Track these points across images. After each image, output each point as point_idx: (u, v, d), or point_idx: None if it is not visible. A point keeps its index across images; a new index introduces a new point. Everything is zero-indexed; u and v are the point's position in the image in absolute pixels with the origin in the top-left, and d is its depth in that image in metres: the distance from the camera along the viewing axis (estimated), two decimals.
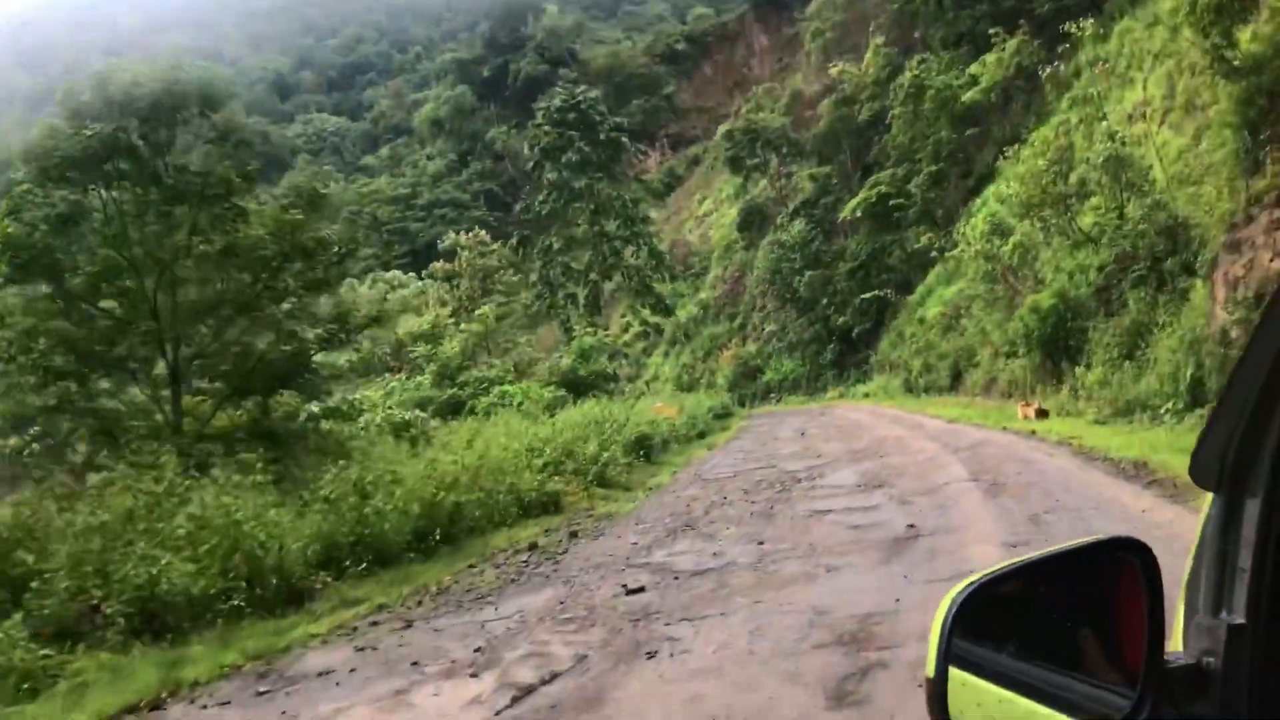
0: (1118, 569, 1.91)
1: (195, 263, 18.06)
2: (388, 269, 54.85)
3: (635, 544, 13.16)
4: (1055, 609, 1.98)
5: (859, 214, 58.93)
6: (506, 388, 32.69)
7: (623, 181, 51.06)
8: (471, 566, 12.63)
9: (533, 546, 13.72)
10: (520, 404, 28.79)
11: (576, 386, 36.98)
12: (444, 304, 46.35)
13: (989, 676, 1.84)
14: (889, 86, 60.44)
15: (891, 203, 56.84)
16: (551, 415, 25.71)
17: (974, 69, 54.01)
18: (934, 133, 55.42)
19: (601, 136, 49.35)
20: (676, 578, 10.50)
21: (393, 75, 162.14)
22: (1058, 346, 28.88)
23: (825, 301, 62.98)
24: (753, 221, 74.90)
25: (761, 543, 11.90)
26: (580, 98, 50.34)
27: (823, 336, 64.92)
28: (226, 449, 16.36)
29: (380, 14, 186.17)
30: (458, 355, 37.48)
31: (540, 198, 51.46)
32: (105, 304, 17.35)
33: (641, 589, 10.04)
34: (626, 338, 56.21)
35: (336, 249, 18.82)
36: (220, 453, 16.23)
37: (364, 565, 11.94)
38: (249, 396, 18.09)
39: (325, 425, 20.52)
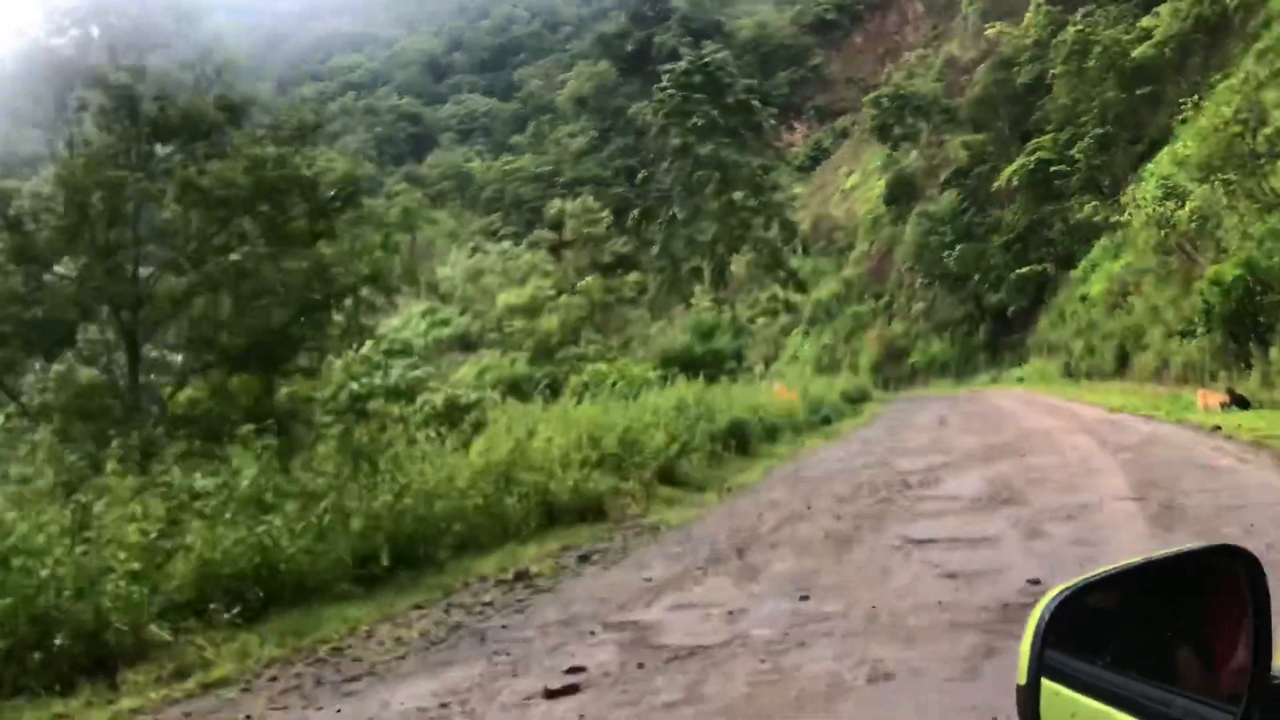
0: (1221, 579, 1.84)
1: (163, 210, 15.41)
2: (499, 240, 52.28)
3: (649, 581, 9.76)
4: (1153, 619, 1.92)
5: (1015, 182, 53.89)
6: (600, 366, 29.70)
7: (756, 151, 47.40)
8: (418, 608, 9.43)
9: (520, 576, 10.47)
10: (614, 384, 25.77)
11: (692, 366, 33.70)
12: (546, 275, 43.63)
13: (1082, 688, 1.79)
14: (1050, 47, 55.10)
15: (1052, 169, 51.61)
16: (637, 398, 22.58)
17: (1146, 22, 48.76)
18: (1100, 93, 50.13)
19: (730, 100, 45.77)
20: (642, 665, 7.06)
21: (544, 55, 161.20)
22: (1244, 325, 24.43)
23: (977, 278, 58.10)
24: (901, 194, 70.13)
25: (806, 596, 8.33)
26: (708, 59, 46.86)
27: (974, 316, 60.16)
28: (205, 436, 13.74)
29: None
30: (557, 330, 34.72)
31: (664, 166, 48.28)
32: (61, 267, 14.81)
33: (575, 687, 6.64)
34: (753, 314, 52.47)
35: (333, 192, 16.02)
36: (185, 439, 13.65)
37: (251, 606, 8.86)
38: (240, 371, 15.39)
39: (374, 406, 17.86)
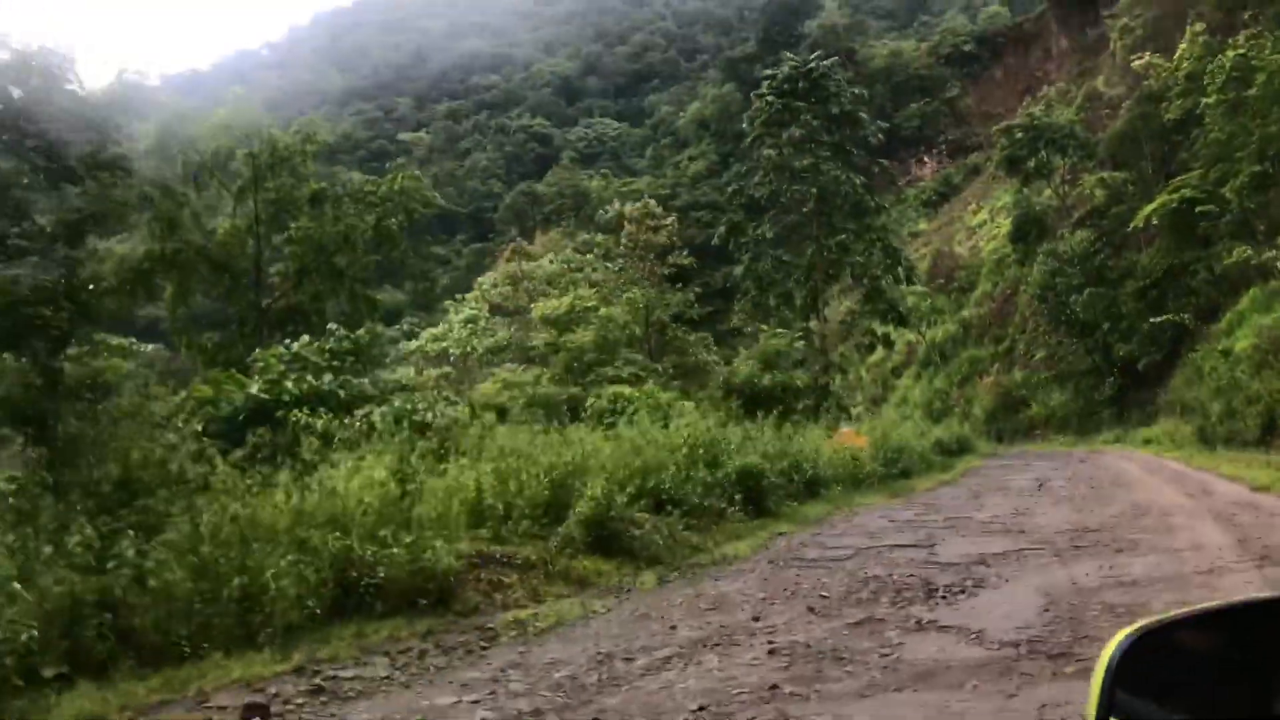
0: None
1: None
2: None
3: None
4: (1230, 663, 1.79)
5: (1155, 223, 47.77)
6: (623, 390, 25.34)
7: (864, 170, 42.46)
8: None
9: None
10: (634, 412, 21.42)
11: (758, 400, 29.13)
12: (593, 285, 39.24)
13: None
14: (1205, 74, 48.87)
15: (1198, 210, 45.31)
16: (666, 427, 18.16)
17: None
18: (1262, 126, 43.75)
19: (835, 110, 41.11)
20: None
21: (677, 83, 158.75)
22: None
23: (1107, 326, 51.90)
24: (1028, 231, 64.01)
25: None
26: (813, 63, 42.18)
27: (1101, 367, 53.88)
28: None
29: (671, 22, 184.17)
30: (590, 347, 30.44)
31: (755, 179, 43.81)
32: None
33: None
34: (846, 349, 47.32)
35: None
36: None
37: None
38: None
39: (295, 416, 13.90)
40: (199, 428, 12.38)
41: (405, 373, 29.96)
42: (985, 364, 66.52)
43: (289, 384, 14.91)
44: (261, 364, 16.49)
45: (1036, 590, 8.92)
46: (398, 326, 56.62)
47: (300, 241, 27.01)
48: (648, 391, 25.23)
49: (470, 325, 41.23)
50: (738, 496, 15.53)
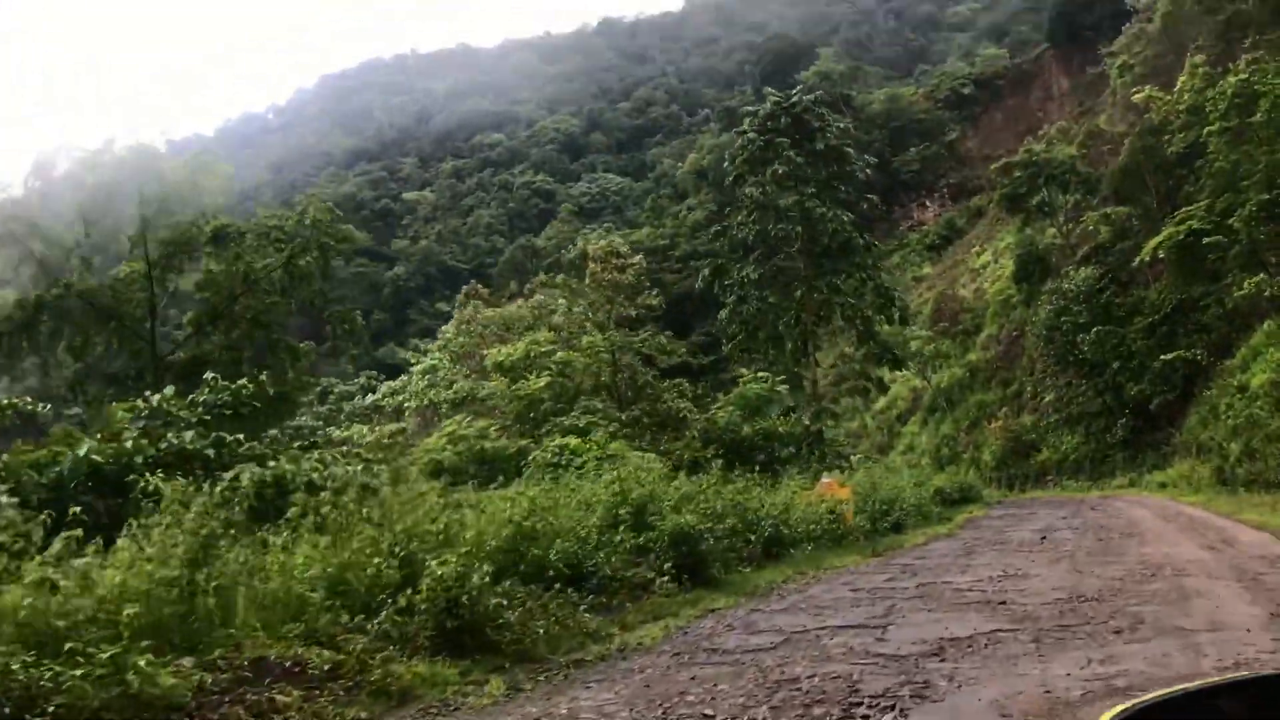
0: None
1: None
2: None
3: None
4: None
5: (1161, 256, 45.37)
6: (570, 440, 22.89)
7: (860, 211, 40.17)
8: None
9: None
10: (580, 466, 19.02)
11: (738, 450, 26.72)
12: (553, 329, 36.68)
13: None
14: (1207, 101, 46.70)
15: (1205, 241, 42.90)
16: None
17: None
18: (1269, 153, 41.49)
19: (820, 146, 38.98)
20: None
21: (680, 136, 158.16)
22: None
23: (1116, 365, 49.35)
24: (1032, 271, 61.76)
25: None
26: (795, 99, 40.09)
27: (1112, 408, 51.26)
28: None
29: (672, 77, 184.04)
30: (543, 394, 28.00)
31: (739, 219, 41.65)
32: None
33: None
34: (843, 395, 44.56)
35: None
36: None
37: None
38: None
39: (145, 480, 11.57)
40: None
41: (359, 429, 27.78)
42: (993, 408, 63.91)
43: (132, 443, 12.63)
44: (114, 417, 14.28)
45: (990, 707, 6.49)
46: (355, 381, 54.58)
47: (202, 286, 24.95)
48: (597, 442, 22.79)
49: (428, 376, 38.68)
50: (667, 565, 13.06)
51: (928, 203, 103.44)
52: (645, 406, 31.32)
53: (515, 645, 8.91)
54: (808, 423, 36.74)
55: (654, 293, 39.63)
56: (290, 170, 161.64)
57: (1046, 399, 59.06)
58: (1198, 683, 1.76)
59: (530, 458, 21.78)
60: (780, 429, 29.63)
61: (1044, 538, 21.19)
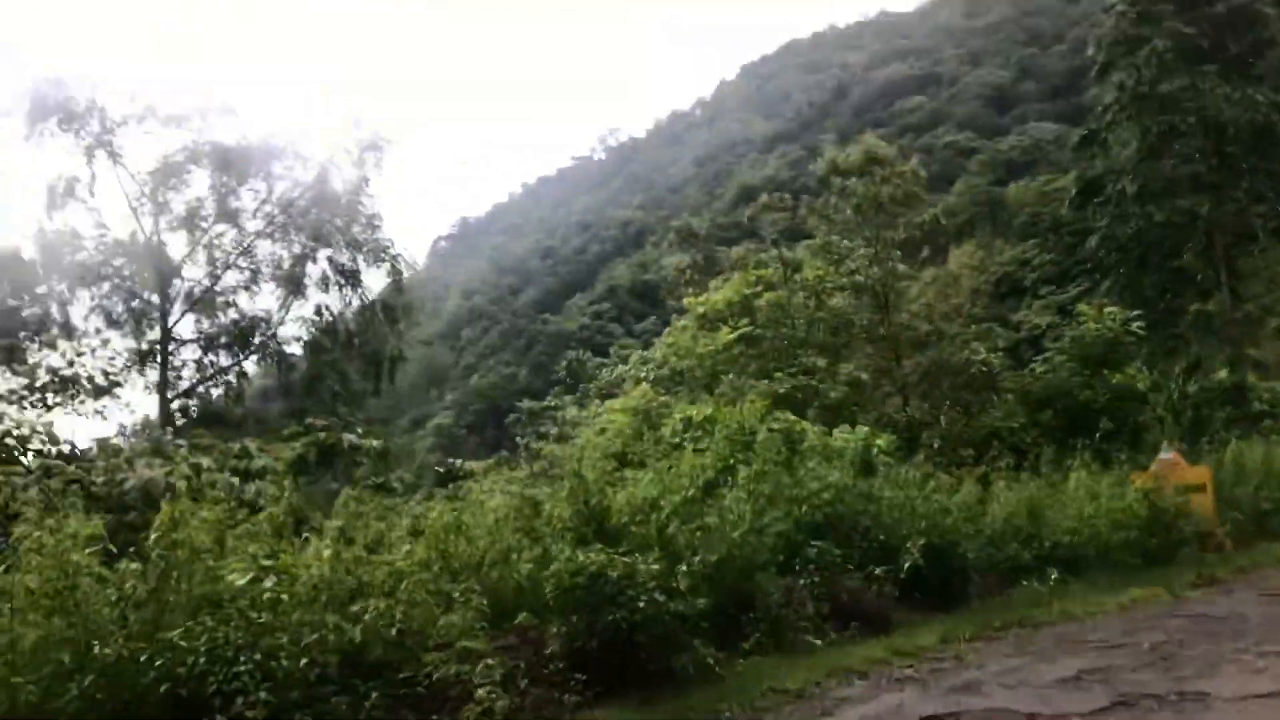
0: None
1: None
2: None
3: None
4: None
5: None
6: (702, 410, 15.83)
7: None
8: None
9: None
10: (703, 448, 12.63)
11: (1076, 422, 18.76)
12: (786, 264, 27.48)
13: None
14: None
15: None
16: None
17: None
18: None
19: (1219, 8, 28.29)
20: None
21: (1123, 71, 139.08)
22: None
23: None
24: None
25: None
26: None
27: None
28: None
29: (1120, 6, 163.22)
30: (734, 348, 20.36)
31: (1107, 118, 31.64)
32: None
33: None
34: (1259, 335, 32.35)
35: None
36: None
37: None
38: None
39: None
40: None
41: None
42: None
43: None
44: None
45: None
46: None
47: None
48: (740, 410, 15.71)
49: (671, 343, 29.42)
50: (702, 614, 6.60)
51: None
52: (933, 356, 23.26)
53: None
54: (1224, 375, 27.08)
55: (936, 208, 30.80)
56: (713, 162, 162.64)
57: None
58: None
59: (659, 433, 15.61)
60: (1141, 385, 20.75)
61: None
